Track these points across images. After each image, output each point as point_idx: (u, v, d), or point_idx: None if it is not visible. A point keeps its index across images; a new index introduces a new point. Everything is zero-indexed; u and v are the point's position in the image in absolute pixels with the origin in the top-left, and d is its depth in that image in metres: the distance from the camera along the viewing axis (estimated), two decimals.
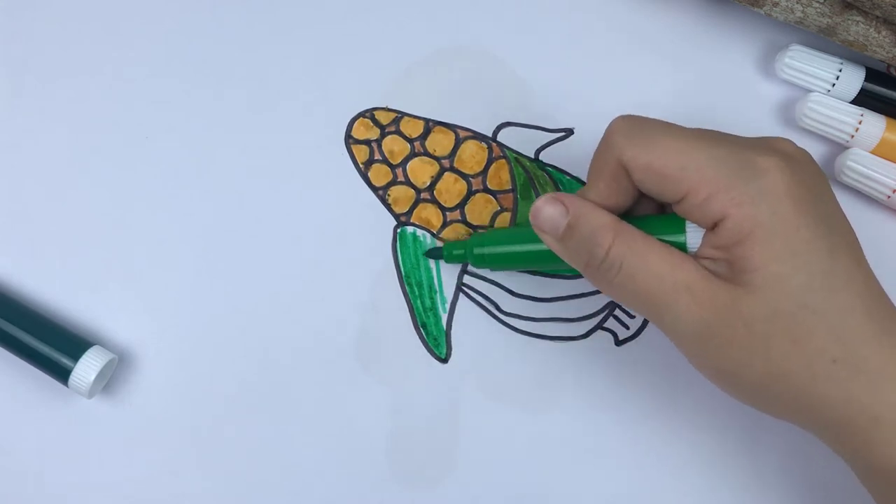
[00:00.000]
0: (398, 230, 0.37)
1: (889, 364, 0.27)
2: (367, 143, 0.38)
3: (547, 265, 0.34)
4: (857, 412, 0.28)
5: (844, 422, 0.28)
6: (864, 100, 0.37)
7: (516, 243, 0.34)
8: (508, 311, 0.37)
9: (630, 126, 0.30)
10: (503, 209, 0.37)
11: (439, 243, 0.37)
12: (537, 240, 0.32)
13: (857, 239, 0.29)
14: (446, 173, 0.38)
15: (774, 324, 0.27)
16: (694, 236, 0.29)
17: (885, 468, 0.28)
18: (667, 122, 0.30)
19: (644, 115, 0.38)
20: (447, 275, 0.37)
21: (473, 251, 0.34)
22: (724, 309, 0.28)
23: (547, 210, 0.30)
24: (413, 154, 0.38)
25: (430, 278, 0.37)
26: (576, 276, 0.37)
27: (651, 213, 0.32)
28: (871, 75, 0.37)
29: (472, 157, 0.38)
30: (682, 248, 0.29)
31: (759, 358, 0.28)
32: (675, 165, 0.28)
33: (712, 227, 0.28)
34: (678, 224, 0.30)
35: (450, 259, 0.36)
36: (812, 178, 0.29)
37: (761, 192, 0.27)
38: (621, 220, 0.30)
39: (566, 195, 0.31)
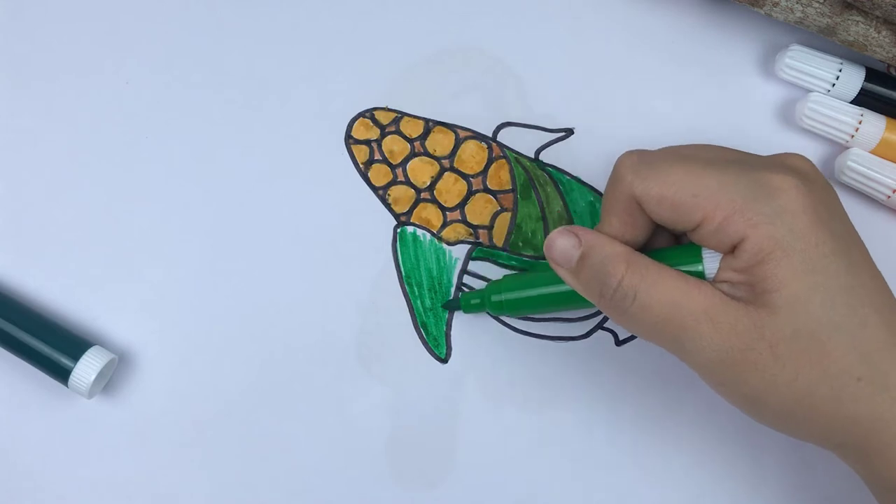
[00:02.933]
0: (398, 230, 0.37)
1: None
2: (367, 143, 0.38)
3: (565, 306, 0.34)
4: (881, 430, 0.27)
5: (869, 440, 0.28)
6: (864, 100, 0.37)
7: (533, 287, 0.34)
8: None
9: (638, 160, 0.30)
10: (503, 209, 0.37)
11: (443, 245, 0.37)
12: (553, 282, 0.33)
13: (868, 252, 0.29)
14: (446, 173, 0.38)
15: (798, 344, 0.27)
16: (711, 263, 0.29)
17: None
18: (675, 151, 0.30)
19: (644, 115, 0.38)
20: (447, 275, 0.37)
21: (491, 298, 0.34)
22: (745, 333, 0.27)
23: (560, 242, 0.31)
24: (413, 154, 0.38)
25: (431, 278, 0.37)
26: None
27: (667, 244, 0.32)
28: (871, 75, 0.37)
29: (472, 157, 0.38)
30: (699, 276, 0.29)
31: (784, 381, 0.28)
32: (687, 193, 0.28)
33: (731, 251, 0.28)
34: (695, 252, 0.30)
35: (468, 309, 0.36)
36: (825, 194, 0.29)
37: (777, 210, 0.27)
38: (634, 251, 0.30)
39: (579, 227, 0.31)
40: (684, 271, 0.29)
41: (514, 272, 0.37)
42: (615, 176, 0.30)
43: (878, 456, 0.28)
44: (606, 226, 0.31)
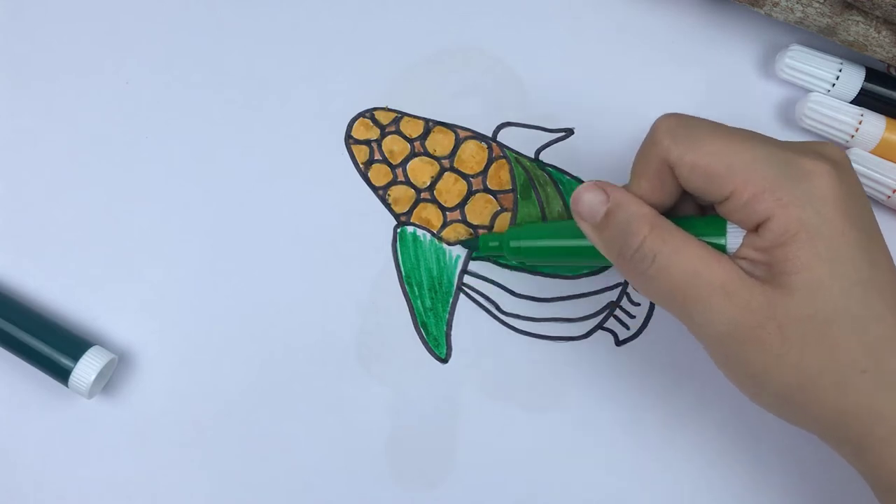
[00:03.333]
0: (398, 230, 0.37)
1: None
2: (367, 143, 0.38)
3: (582, 260, 0.34)
4: (877, 424, 0.27)
5: (866, 434, 0.28)
6: (864, 100, 0.37)
7: (553, 237, 0.34)
8: (508, 311, 0.37)
9: (676, 124, 0.29)
10: (503, 209, 0.37)
11: (443, 245, 0.37)
12: (573, 234, 0.32)
13: (888, 250, 0.29)
14: (446, 173, 0.38)
15: (809, 328, 0.27)
16: (734, 238, 0.29)
17: None
18: (712, 122, 0.30)
19: (644, 115, 0.38)
20: (447, 275, 0.37)
21: (510, 244, 0.34)
22: (758, 310, 0.27)
23: (587, 196, 0.30)
24: (413, 154, 0.38)
25: (431, 278, 0.37)
26: (579, 275, 0.37)
27: (692, 213, 0.32)
28: (871, 75, 0.37)
29: (472, 157, 0.38)
30: (721, 249, 0.29)
31: (789, 363, 0.27)
32: (721, 164, 0.28)
33: (755, 229, 0.28)
34: (719, 225, 0.29)
35: (485, 250, 0.36)
36: (855, 187, 0.29)
37: (808, 194, 0.27)
38: (660, 215, 0.29)
39: (608, 183, 0.30)
40: (706, 241, 0.29)
41: (534, 222, 0.36)
42: (651, 138, 0.30)
43: (874, 451, 0.28)
44: (635, 186, 0.30)
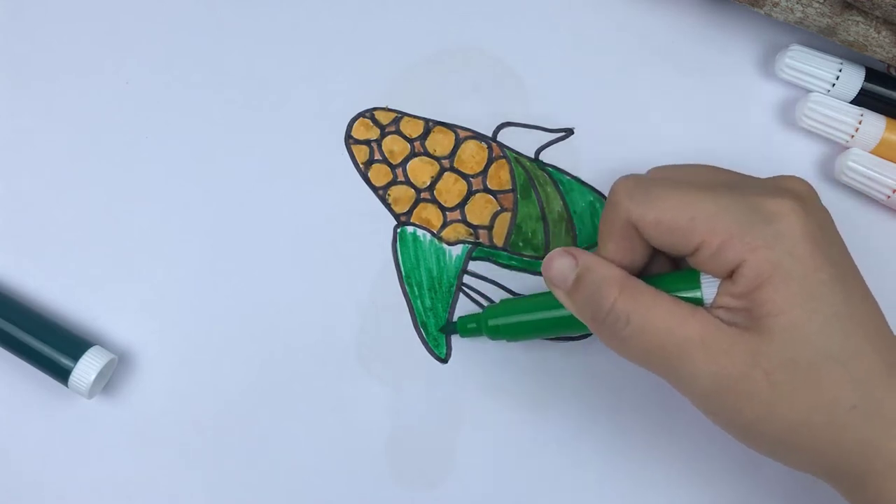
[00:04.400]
0: (398, 230, 0.37)
1: None
2: (367, 143, 0.38)
3: (563, 331, 0.34)
4: (874, 458, 0.27)
5: (862, 469, 0.28)
6: (864, 100, 0.37)
7: (530, 312, 0.34)
8: None
9: (634, 185, 0.30)
10: (503, 209, 0.37)
11: (443, 245, 0.37)
12: (550, 306, 0.32)
13: (862, 277, 0.29)
14: (446, 173, 0.38)
15: (794, 372, 0.27)
16: (709, 288, 0.29)
17: None
18: (671, 175, 0.30)
19: (644, 115, 0.38)
20: (447, 275, 0.37)
21: (488, 323, 0.34)
22: (740, 360, 0.27)
23: (557, 263, 0.31)
24: (413, 154, 0.38)
25: (431, 278, 0.37)
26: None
27: (665, 270, 0.32)
28: (871, 75, 0.37)
29: (472, 157, 0.38)
30: (698, 301, 0.29)
31: (780, 409, 0.27)
32: (684, 218, 0.28)
33: (729, 276, 0.28)
34: (693, 277, 0.29)
35: (465, 333, 0.35)
36: (823, 219, 0.29)
37: (776, 235, 0.27)
38: (630, 276, 0.30)
39: (577, 249, 0.31)
40: (683, 297, 0.29)
41: (510, 297, 0.36)
42: (611, 201, 0.30)
43: (871, 485, 0.28)
44: (603, 251, 0.31)
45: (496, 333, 0.34)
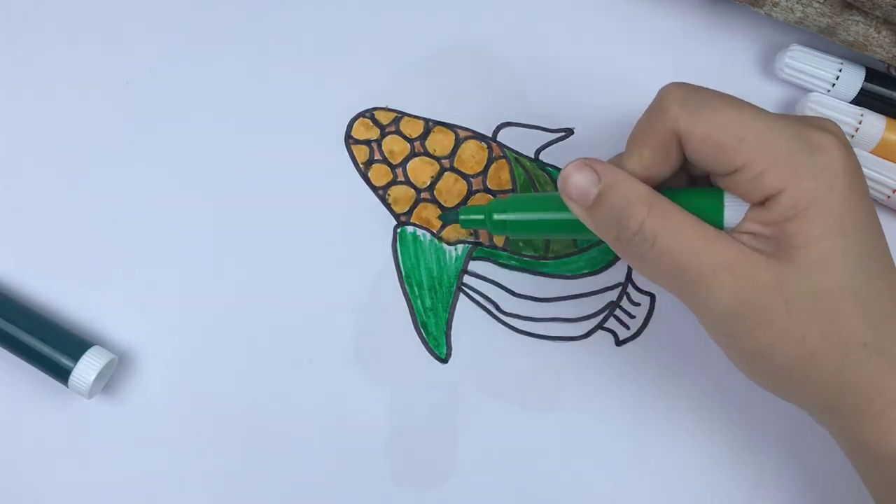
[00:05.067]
0: (398, 230, 0.37)
1: None
2: (367, 143, 0.38)
3: (571, 234, 0.33)
4: (876, 396, 0.28)
5: (861, 407, 0.28)
6: (864, 100, 0.37)
7: (539, 210, 0.32)
8: (508, 311, 0.37)
9: (686, 94, 0.28)
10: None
11: (443, 245, 0.37)
12: (562, 207, 0.31)
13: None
14: (446, 173, 0.38)
15: (815, 302, 0.27)
16: (734, 212, 0.28)
17: (892, 453, 0.28)
18: (722, 92, 0.29)
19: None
20: (447, 275, 0.37)
21: (493, 216, 0.32)
22: (765, 287, 0.27)
23: (576, 177, 0.29)
24: (413, 154, 0.38)
25: (431, 278, 0.37)
26: (579, 275, 0.37)
27: (682, 184, 0.31)
28: (871, 75, 0.37)
29: (472, 157, 0.38)
30: (719, 221, 0.28)
31: (793, 339, 0.27)
32: (733, 136, 0.27)
33: (761, 202, 0.28)
34: (716, 198, 0.29)
35: (465, 224, 0.34)
36: (856, 160, 0.29)
37: (821, 167, 0.27)
38: (656, 193, 0.29)
39: (598, 161, 0.29)
40: (703, 215, 0.28)
41: (518, 194, 0.35)
42: (658, 107, 0.28)
43: (871, 423, 0.28)
44: (635, 157, 0.29)
45: (501, 229, 0.32)
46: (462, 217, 0.34)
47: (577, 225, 0.31)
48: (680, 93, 0.28)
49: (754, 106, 0.29)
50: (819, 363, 0.28)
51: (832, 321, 0.27)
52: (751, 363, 0.29)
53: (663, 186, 0.30)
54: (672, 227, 0.28)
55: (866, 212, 0.28)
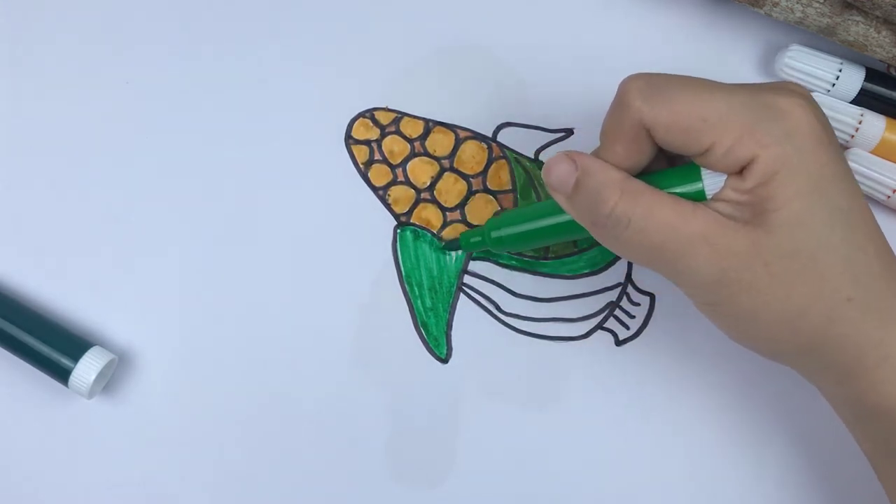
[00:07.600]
0: (398, 230, 0.37)
1: None
2: (367, 143, 0.38)
3: (564, 237, 0.33)
4: (867, 350, 0.28)
5: (851, 362, 0.28)
6: (864, 100, 0.37)
7: (531, 220, 0.33)
8: (508, 311, 0.37)
9: (645, 84, 0.29)
10: (503, 209, 0.37)
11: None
12: (551, 213, 0.32)
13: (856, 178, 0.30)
14: (446, 173, 0.38)
15: (794, 263, 0.27)
16: (712, 183, 0.29)
17: (885, 408, 0.28)
18: (679, 76, 0.30)
19: None
20: (447, 275, 0.37)
21: (491, 235, 0.34)
22: (743, 253, 0.28)
23: (557, 167, 0.30)
24: (413, 154, 0.38)
25: (431, 278, 0.37)
26: (579, 275, 0.37)
27: (663, 166, 0.31)
28: (871, 75, 0.37)
29: (472, 157, 0.38)
30: (700, 197, 0.29)
31: (777, 300, 0.28)
32: (696, 118, 0.28)
33: (738, 173, 0.28)
34: (694, 173, 0.29)
35: (468, 247, 0.36)
36: (824, 118, 0.29)
37: (787, 131, 0.27)
38: (629, 177, 0.29)
39: (577, 153, 0.30)
40: (685, 192, 0.29)
41: (509, 209, 0.36)
42: (621, 102, 0.29)
43: (860, 379, 0.28)
44: (610, 153, 0.30)
45: (500, 245, 0.34)
46: (463, 243, 0.35)
47: (571, 226, 0.32)
48: (639, 84, 0.29)
49: (712, 82, 0.29)
50: (805, 322, 0.28)
51: (813, 279, 0.28)
52: (738, 328, 0.30)
53: (644, 172, 0.30)
54: (645, 206, 0.28)
55: (840, 167, 0.28)
